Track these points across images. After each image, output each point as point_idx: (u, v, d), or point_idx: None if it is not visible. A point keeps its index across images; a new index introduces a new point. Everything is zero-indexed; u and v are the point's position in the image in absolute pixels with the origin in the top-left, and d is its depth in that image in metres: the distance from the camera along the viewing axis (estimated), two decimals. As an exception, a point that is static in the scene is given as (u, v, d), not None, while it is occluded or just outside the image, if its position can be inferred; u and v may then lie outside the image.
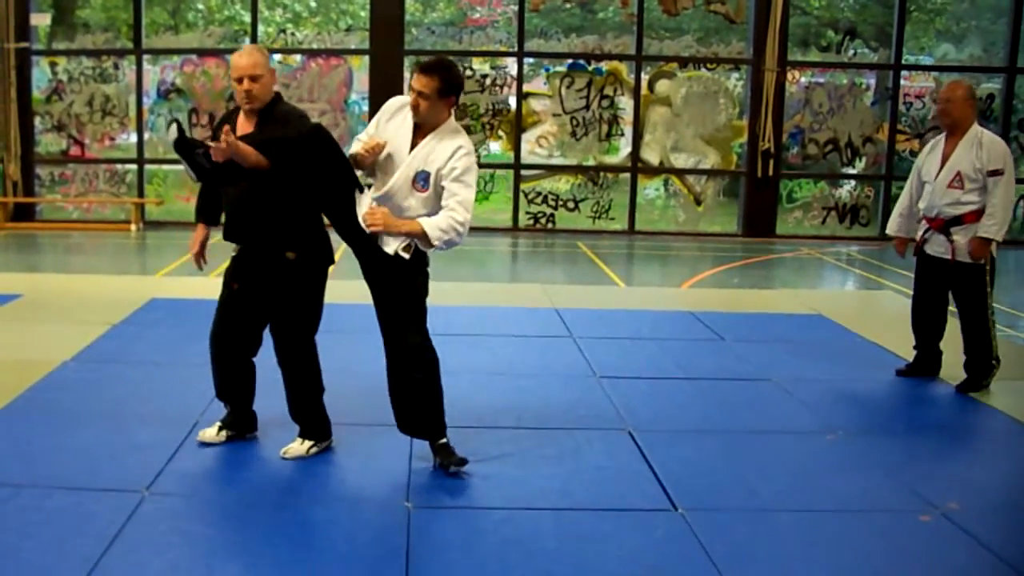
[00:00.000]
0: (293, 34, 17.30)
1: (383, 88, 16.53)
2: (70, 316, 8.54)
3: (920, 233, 7.15)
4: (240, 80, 4.91)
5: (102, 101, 16.87)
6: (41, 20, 16.88)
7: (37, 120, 16.89)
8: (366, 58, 16.78)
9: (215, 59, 16.91)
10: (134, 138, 16.99)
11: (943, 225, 6.88)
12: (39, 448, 5.28)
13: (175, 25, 17.60)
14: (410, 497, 4.81)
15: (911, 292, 7.54)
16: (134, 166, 17.04)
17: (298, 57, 17.05)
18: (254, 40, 16.70)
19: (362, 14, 17.33)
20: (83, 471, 4.96)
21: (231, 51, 16.50)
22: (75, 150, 17.02)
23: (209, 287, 10.58)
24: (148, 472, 4.97)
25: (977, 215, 6.74)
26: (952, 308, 7.23)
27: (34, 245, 14.98)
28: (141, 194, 16.97)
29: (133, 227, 16.16)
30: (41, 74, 16.90)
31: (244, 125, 5.06)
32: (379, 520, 4.58)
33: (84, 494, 4.69)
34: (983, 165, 6.67)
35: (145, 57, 16.86)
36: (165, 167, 17.22)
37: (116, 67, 16.87)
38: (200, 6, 18.02)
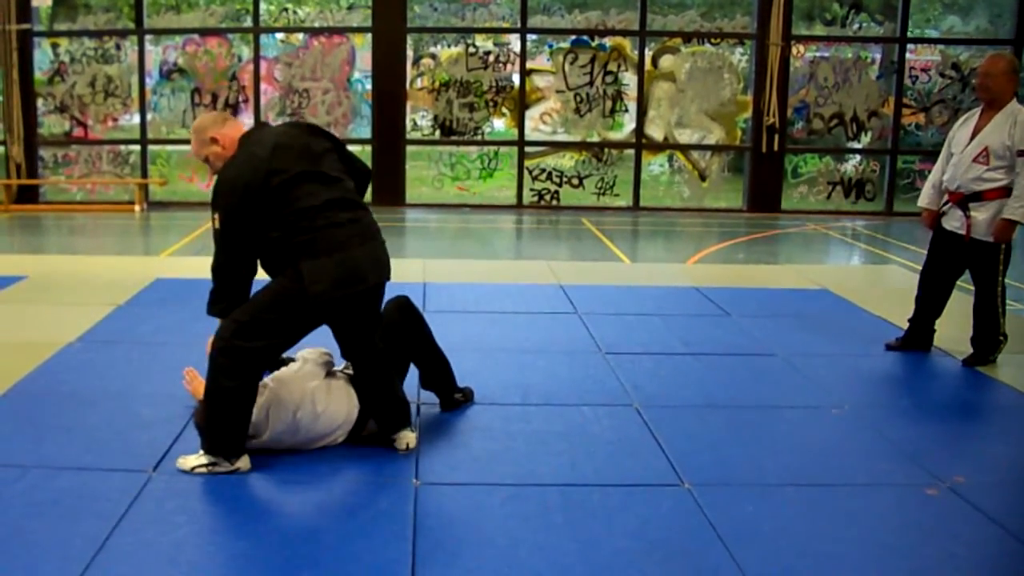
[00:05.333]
0: (295, 12, 17.24)
1: (386, 66, 16.55)
2: (74, 297, 8.54)
3: (940, 205, 7.04)
4: None
5: (104, 82, 16.83)
6: (42, 1, 16.81)
7: (40, 102, 16.85)
8: (369, 36, 16.72)
9: (217, 39, 16.88)
10: (137, 119, 16.92)
11: (962, 200, 6.78)
12: (45, 429, 5.28)
13: (176, 5, 17.52)
14: (418, 474, 4.80)
15: (919, 266, 7.49)
16: (137, 147, 17.00)
17: (300, 36, 16.97)
18: (256, 20, 16.66)
19: (363, -9, 17.31)
20: (89, 451, 4.97)
21: (233, 31, 16.56)
22: (78, 131, 17.00)
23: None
24: (154, 452, 4.97)
25: (998, 193, 6.60)
26: (961, 283, 7.20)
27: (38, 227, 14.98)
28: (145, 175, 16.93)
29: (137, 208, 16.15)
30: (43, 55, 16.85)
31: None
32: (386, 497, 4.56)
33: (91, 474, 4.69)
34: (1014, 143, 6.49)
35: (147, 37, 16.81)
36: (168, 147, 17.21)
37: (118, 48, 16.82)
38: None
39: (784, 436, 5.53)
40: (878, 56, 17.22)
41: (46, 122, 16.97)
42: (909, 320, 7.35)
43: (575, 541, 4.16)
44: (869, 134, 17.18)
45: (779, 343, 7.45)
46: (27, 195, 16.73)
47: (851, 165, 17.40)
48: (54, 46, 16.87)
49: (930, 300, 7.18)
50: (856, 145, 17.34)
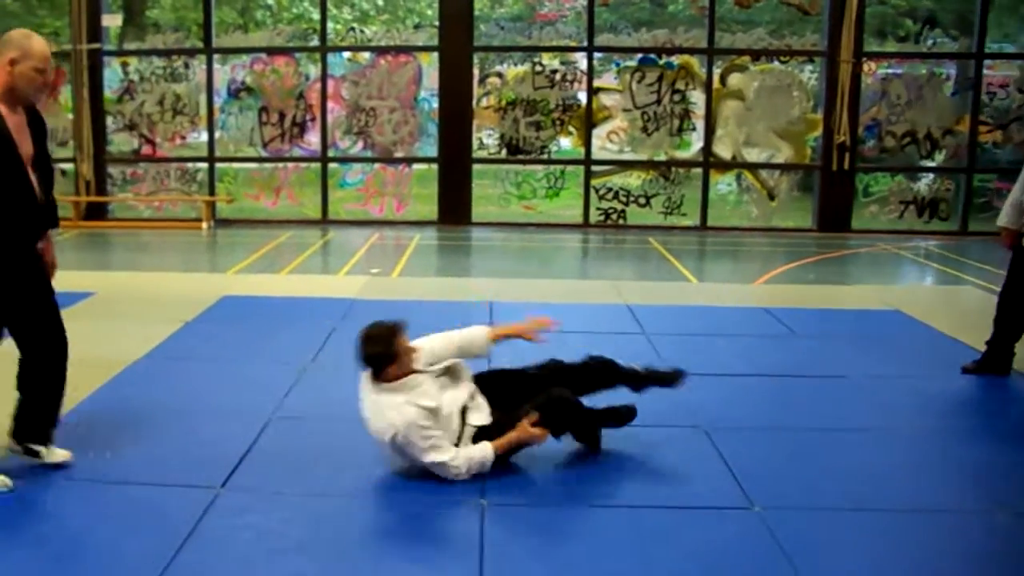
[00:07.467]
0: (362, 31, 17.31)
1: (453, 84, 16.53)
2: (142, 314, 8.60)
3: (1021, 225, 6.81)
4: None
5: (173, 100, 17.01)
6: (112, 21, 17.04)
7: (109, 120, 17.06)
8: (435, 55, 16.74)
9: (285, 57, 16.99)
10: (205, 137, 17.10)
11: None
12: (114, 445, 5.29)
13: (244, 24, 17.71)
14: (485, 494, 4.75)
15: (996, 287, 7.29)
16: (205, 164, 17.16)
17: (367, 55, 17.04)
18: (323, 39, 16.73)
19: (429, 12, 17.33)
20: (157, 468, 4.98)
21: (300, 50, 16.69)
22: (146, 149, 17.18)
23: (280, 284, 10.70)
24: (222, 469, 4.97)
25: None
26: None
27: (106, 243, 15.14)
28: (212, 192, 17.09)
29: (204, 225, 16.25)
30: (113, 74, 17.08)
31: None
32: (453, 517, 4.54)
33: (159, 490, 4.70)
34: None
35: (215, 56, 16.97)
36: (235, 165, 17.38)
37: (186, 66, 17.00)
38: (271, 1, 18.14)
39: (855, 460, 5.38)
40: (953, 72, 16.90)
41: (115, 140, 17.18)
42: (987, 342, 7.15)
43: (643, 564, 4.09)
44: (943, 152, 16.86)
45: (850, 365, 7.30)
46: (96, 212, 16.93)
47: (924, 184, 17.07)
48: (124, 65, 17.09)
49: (1010, 322, 6.98)
50: (930, 164, 17.03)
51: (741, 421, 5.97)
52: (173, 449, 5.24)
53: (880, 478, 5.10)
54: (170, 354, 7.31)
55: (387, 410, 4.82)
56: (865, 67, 16.47)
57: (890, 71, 16.81)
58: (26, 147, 4.60)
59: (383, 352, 4.86)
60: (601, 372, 5.45)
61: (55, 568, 3.96)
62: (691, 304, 9.70)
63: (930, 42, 16.87)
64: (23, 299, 4.71)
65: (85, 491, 4.68)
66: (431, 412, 4.83)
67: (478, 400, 5.11)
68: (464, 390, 5.10)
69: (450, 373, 5.18)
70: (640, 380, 5.54)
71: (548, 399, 5.04)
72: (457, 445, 4.92)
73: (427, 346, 5.14)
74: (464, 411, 5.03)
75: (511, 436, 4.93)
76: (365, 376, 4.96)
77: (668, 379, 5.58)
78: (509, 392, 5.18)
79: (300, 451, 5.26)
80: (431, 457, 4.80)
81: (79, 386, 6.21)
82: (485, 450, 4.90)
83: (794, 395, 6.59)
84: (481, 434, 4.99)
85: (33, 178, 4.64)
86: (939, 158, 16.94)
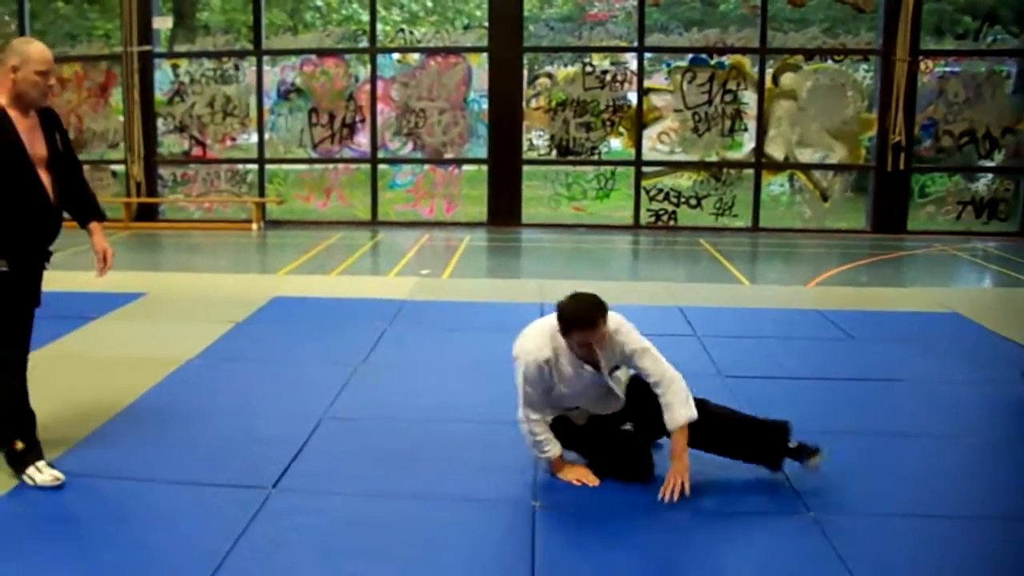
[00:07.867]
0: (411, 33, 17.29)
1: (502, 85, 16.47)
2: (194, 314, 8.62)
3: None
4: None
5: (223, 102, 17.09)
6: (163, 23, 17.18)
7: (159, 121, 17.18)
8: (485, 56, 16.68)
9: (334, 59, 17.02)
10: (255, 138, 17.17)
11: None
12: (166, 443, 5.29)
13: (293, 26, 17.76)
14: (537, 496, 4.68)
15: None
16: (255, 166, 17.24)
17: (417, 56, 17.01)
18: (372, 40, 16.72)
19: (478, 13, 17.28)
20: (209, 468, 4.96)
21: (350, 51, 16.69)
22: (197, 151, 17.28)
23: (331, 285, 10.66)
24: (274, 469, 4.93)
25: None
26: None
27: (157, 244, 15.21)
28: (262, 193, 17.14)
29: (254, 226, 16.29)
30: (163, 76, 17.20)
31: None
32: (506, 519, 4.49)
33: (211, 490, 4.68)
34: None
35: (265, 58, 17.02)
36: (285, 167, 17.41)
37: (236, 68, 17.08)
38: (320, 3, 18.16)
39: (914, 465, 5.25)
40: (1014, 70, 16.56)
41: (165, 141, 17.28)
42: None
43: (696, 569, 4.07)
44: (1003, 152, 16.55)
45: (907, 368, 7.16)
46: (147, 213, 17.05)
47: (983, 184, 16.78)
48: (174, 67, 17.19)
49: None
50: (988, 163, 16.72)
51: (795, 425, 5.80)
52: (224, 449, 5.22)
53: (938, 483, 4.99)
54: (221, 355, 7.30)
55: (533, 342, 4.73)
56: (922, 65, 16.22)
57: (947, 69, 16.53)
58: (39, 150, 4.63)
59: (563, 324, 4.68)
60: (755, 436, 5.00)
61: (103, 567, 3.93)
62: (743, 306, 9.57)
63: (990, 39, 16.56)
64: None
65: (135, 490, 4.65)
66: (547, 389, 4.73)
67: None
68: (583, 418, 4.96)
69: (609, 396, 4.94)
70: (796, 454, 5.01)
71: (621, 462, 4.92)
72: None
73: (646, 361, 4.87)
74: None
75: (564, 473, 4.84)
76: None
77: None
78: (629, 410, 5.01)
79: (352, 452, 5.21)
80: (520, 392, 4.72)
81: (131, 386, 6.31)
82: (552, 453, 4.81)
83: (849, 398, 6.45)
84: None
85: (47, 180, 4.65)
86: (998, 158, 16.62)
